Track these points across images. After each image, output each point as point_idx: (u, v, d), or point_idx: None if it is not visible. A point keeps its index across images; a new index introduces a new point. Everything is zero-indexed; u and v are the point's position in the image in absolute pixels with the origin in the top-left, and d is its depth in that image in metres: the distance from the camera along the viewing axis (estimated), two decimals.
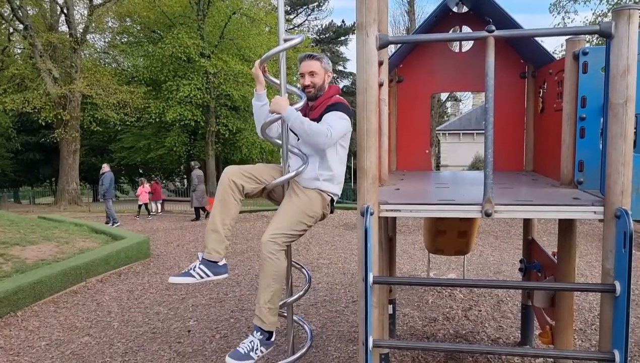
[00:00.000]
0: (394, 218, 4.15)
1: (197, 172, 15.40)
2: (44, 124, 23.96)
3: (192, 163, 16.40)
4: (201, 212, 15.38)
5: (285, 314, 3.06)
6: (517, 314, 5.07)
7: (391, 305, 4.15)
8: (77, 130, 24.37)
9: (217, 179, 29.84)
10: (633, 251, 2.00)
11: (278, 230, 2.78)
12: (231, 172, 2.89)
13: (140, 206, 17.24)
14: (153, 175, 41.56)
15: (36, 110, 22.54)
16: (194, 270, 2.83)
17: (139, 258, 8.36)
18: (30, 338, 4.83)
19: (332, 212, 3.07)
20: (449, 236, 5.06)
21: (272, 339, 2.86)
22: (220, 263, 2.86)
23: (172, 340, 4.68)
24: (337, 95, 2.99)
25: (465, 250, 5.39)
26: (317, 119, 2.82)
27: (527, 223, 4.23)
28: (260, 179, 2.94)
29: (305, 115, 2.90)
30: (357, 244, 2.24)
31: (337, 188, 2.97)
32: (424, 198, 2.53)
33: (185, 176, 38.52)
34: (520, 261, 4.24)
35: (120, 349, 4.50)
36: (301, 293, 3.02)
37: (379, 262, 2.45)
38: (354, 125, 2.60)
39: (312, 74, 2.92)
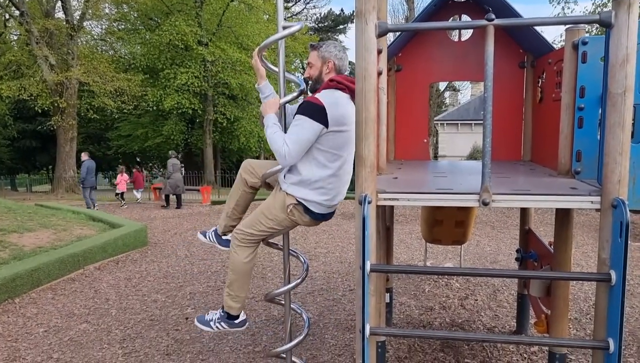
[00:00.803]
0: (392, 208, 4.16)
1: (172, 161, 15.68)
2: (40, 111, 23.87)
3: (170, 152, 16.80)
4: (173, 200, 15.88)
5: (283, 302, 3.08)
6: (512, 303, 5.11)
7: (388, 294, 4.18)
8: (74, 117, 24.26)
9: (215, 167, 29.84)
10: (629, 241, 2.01)
11: (241, 226, 2.95)
12: (242, 166, 3.14)
13: (117, 194, 17.45)
14: (150, 163, 41.50)
15: (33, 98, 22.43)
16: (209, 233, 3.29)
17: (136, 247, 8.37)
18: (28, 324, 4.85)
19: (317, 219, 2.85)
20: (446, 226, 5.07)
21: (236, 322, 3.07)
22: (224, 238, 3.24)
23: (169, 327, 4.70)
24: (324, 90, 2.69)
25: (462, 240, 5.41)
26: None
27: (524, 213, 4.24)
28: (257, 173, 3.02)
29: None
30: (354, 233, 2.25)
31: (311, 194, 2.72)
32: (422, 187, 2.54)
33: (183, 165, 38.47)
34: (517, 251, 4.26)
35: (118, 336, 4.52)
36: (298, 281, 3.04)
37: (377, 251, 2.45)
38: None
39: (309, 65, 2.84)
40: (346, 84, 2.67)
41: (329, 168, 2.71)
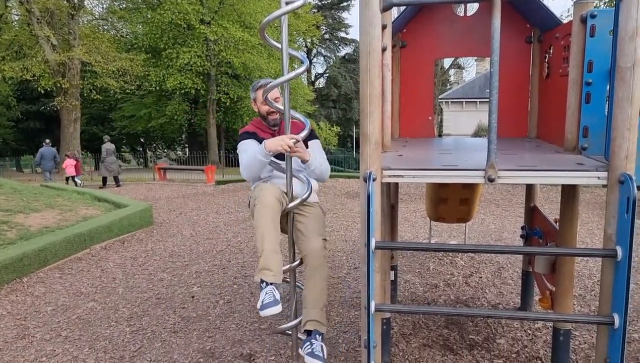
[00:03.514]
0: (396, 186, 4.15)
1: (106, 146, 17.05)
2: (43, 92, 23.86)
3: (104, 137, 18.20)
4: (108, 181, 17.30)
5: (289, 280, 3.09)
6: (517, 280, 5.12)
7: (393, 272, 4.19)
8: (77, 98, 24.23)
9: (219, 147, 29.89)
10: (635, 219, 1.99)
11: (323, 236, 3.00)
12: (272, 192, 2.86)
13: (67, 178, 17.86)
14: (154, 144, 41.50)
15: (35, 78, 22.37)
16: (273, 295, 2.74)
17: (142, 226, 8.42)
18: (36, 303, 4.91)
19: None
20: (451, 204, 5.07)
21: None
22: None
23: (176, 306, 4.75)
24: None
25: (467, 218, 5.41)
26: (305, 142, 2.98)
27: (530, 190, 4.22)
28: (282, 200, 2.96)
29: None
30: (359, 212, 2.25)
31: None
32: (427, 164, 2.52)
33: (187, 145, 38.48)
34: (522, 228, 4.25)
35: (126, 314, 4.57)
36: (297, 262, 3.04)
37: (381, 229, 2.45)
38: (356, 92, 2.59)
39: (276, 100, 3.02)
40: None
41: None
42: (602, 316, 2.19)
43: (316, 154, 3.05)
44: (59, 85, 22.81)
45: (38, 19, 22.25)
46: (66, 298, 5.04)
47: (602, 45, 2.52)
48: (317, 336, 2.87)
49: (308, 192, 2.91)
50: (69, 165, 17.65)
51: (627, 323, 2.09)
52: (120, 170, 17.93)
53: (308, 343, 2.83)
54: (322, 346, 2.84)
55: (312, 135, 3.11)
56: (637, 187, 2.07)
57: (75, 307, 4.81)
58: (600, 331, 2.25)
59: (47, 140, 18.66)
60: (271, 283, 2.74)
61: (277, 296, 2.72)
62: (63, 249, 6.35)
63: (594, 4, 2.72)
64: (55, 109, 24.50)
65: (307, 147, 3.03)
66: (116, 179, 17.25)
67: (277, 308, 2.66)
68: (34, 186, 11.82)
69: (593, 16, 2.54)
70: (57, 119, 26.16)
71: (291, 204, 2.93)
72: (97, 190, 12.96)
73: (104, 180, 17.39)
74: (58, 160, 17.71)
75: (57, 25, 23.81)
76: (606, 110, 2.51)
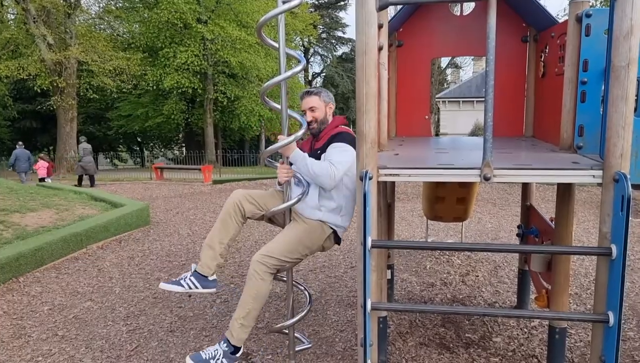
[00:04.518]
0: (393, 185, 4.16)
1: (83, 146, 17.37)
2: (39, 91, 23.76)
3: (81, 137, 18.55)
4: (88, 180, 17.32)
5: (285, 279, 3.10)
6: (513, 279, 5.14)
7: (389, 271, 4.20)
8: (74, 97, 24.15)
9: (216, 147, 29.80)
10: (630, 217, 2.00)
11: (270, 252, 2.85)
12: (237, 195, 3.05)
13: (40, 179, 17.94)
14: (151, 143, 41.42)
15: (32, 77, 22.30)
16: (184, 280, 2.99)
17: (138, 226, 8.40)
18: (33, 303, 4.90)
19: (338, 244, 3.19)
20: (448, 203, 5.08)
21: (238, 355, 2.86)
22: (210, 278, 3.01)
23: (173, 305, 4.75)
24: (342, 126, 3.07)
25: (463, 216, 5.42)
26: (322, 149, 2.96)
27: (526, 189, 4.24)
28: (262, 206, 3.06)
29: (311, 147, 3.09)
30: (356, 210, 2.25)
31: (342, 221, 3.03)
32: (423, 163, 2.53)
33: (184, 145, 38.42)
34: (518, 226, 4.26)
35: (122, 313, 4.57)
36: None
37: (378, 228, 2.46)
38: (353, 91, 2.61)
39: (312, 109, 3.03)
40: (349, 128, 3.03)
41: (349, 194, 2.98)
42: (597, 314, 2.20)
43: (314, 159, 2.89)
44: (55, 84, 22.74)
45: (34, 18, 22.18)
46: (63, 298, 5.03)
47: (598, 45, 2.53)
48: (222, 343, 2.86)
49: (292, 201, 2.90)
50: (41, 167, 18.07)
51: (622, 321, 2.10)
52: (96, 170, 18.07)
53: (213, 348, 2.86)
54: (217, 351, 2.81)
55: (336, 139, 2.94)
56: (632, 185, 2.08)
57: (71, 306, 4.80)
58: (596, 329, 2.26)
59: (20, 143, 18.95)
60: (195, 271, 3.00)
61: (187, 282, 2.96)
62: (59, 249, 6.34)
63: (590, 3, 2.73)
64: (51, 108, 24.40)
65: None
66: (92, 179, 17.30)
67: (173, 288, 2.96)
68: (30, 185, 11.81)
69: (588, 15, 2.55)
70: (54, 118, 26.08)
71: (272, 209, 2.98)
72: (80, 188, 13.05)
73: (80, 179, 17.45)
74: (32, 161, 17.98)
75: (54, 24, 23.72)
76: (601, 110, 2.52)
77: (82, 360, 3.67)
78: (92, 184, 17.23)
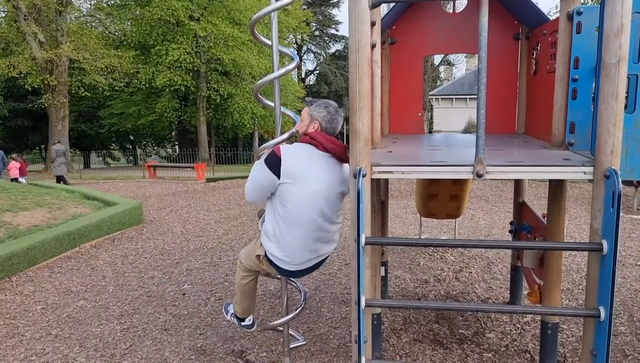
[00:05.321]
0: (386, 182, 4.17)
1: (56, 147, 17.40)
2: (31, 89, 23.58)
3: (54, 139, 18.74)
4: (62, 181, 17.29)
5: (279, 276, 3.10)
6: (506, 275, 5.18)
7: (383, 268, 4.21)
8: (65, 95, 23.98)
9: (209, 145, 29.78)
10: (621, 213, 2.02)
11: (241, 254, 3.10)
12: (248, 259, 3.03)
13: (13, 179, 17.82)
14: (144, 141, 41.22)
15: (22, 76, 22.12)
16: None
17: (132, 224, 8.38)
18: (26, 302, 4.88)
19: (280, 272, 2.85)
20: (441, 200, 5.10)
21: (242, 323, 3.36)
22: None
23: (167, 303, 4.74)
24: (295, 143, 2.74)
25: (456, 213, 5.45)
26: None
27: (518, 186, 4.26)
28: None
29: None
30: (349, 208, 2.26)
31: (273, 247, 2.71)
32: (416, 160, 2.53)
33: (177, 143, 38.29)
34: (511, 223, 4.29)
35: (116, 312, 4.56)
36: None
37: (372, 225, 2.47)
38: (346, 88, 2.58)
39: (301, 118, 2.84)
40: (320, 141, 2.62)
41: (281, 222, 2.66)
42: (588, 309, 2.22)
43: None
44: (46, 82, 22.57)
45: (25, 16, 21.99)
46: (56, 297, 5.01)
47: (588, 42, 2.54)
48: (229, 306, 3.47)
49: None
50: (13, 168, 17.99)
51: (613, 316, 2.13)
52: (68, 170, 18.12)
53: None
54: (232, 307, 3.41)
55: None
56: (623, 181, 2.10)
57: (65, 305, 4.78)
58: (587, 324, 2.28)
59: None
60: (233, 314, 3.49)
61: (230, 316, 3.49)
62: (52, 248, 6.31)
63: (581, 1, 2.75)
64: (43, 106, 24.22)
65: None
66: (63, 180, 17.22)
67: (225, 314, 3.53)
68: (22, 184, 11.72)
69: (579, 13, 2.56)
70: (45, 117, 25.89)
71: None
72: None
73: (58, 179, 17.47)
74: (7, 161, 17.74)
75: (45, 22, 23.52)
76: (592, 107, 2.54)
77: (76, 359, 3.67)
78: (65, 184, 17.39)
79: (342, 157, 2.67)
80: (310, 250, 2.72)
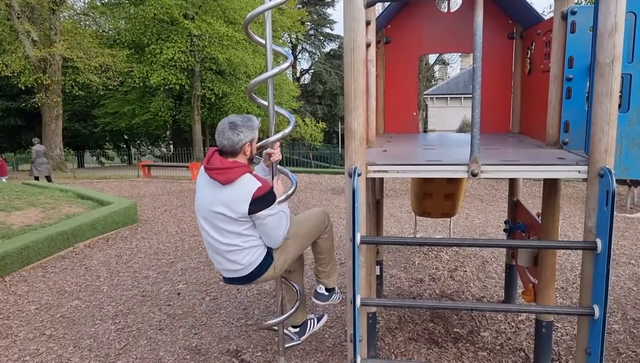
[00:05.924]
0: (382, 181, 4.18)
1: (36, 148, 17.48)
2: (24, 88, 23.42)
3: (34, 139, 18.54)
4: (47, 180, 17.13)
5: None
6: (501, 274, 5.19)
7: (378, 267, 4.22)
8: (59, 95, 23.84)
9: (204, 144, 29.59)
10: (614, 212, 2.03)
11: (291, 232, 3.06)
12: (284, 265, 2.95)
13: None
14: (138, 141, 41.08)
15: (15, 75, 21.98)
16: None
17: (126, 224, 8.34)
18: (19, 302, 4.85)
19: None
20: (436, 199, 5.11)
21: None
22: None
23: (162, 303, 4.73)
24: (253, 170, 2.72)
25: (451, 212, 5.46)
26: None
27: (513, 185, 4.28)
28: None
29: None
30: (345, 208, 2.26)
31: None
32: (411, 159, 2.54)
33: (172, 142, 38.17)
34: (505, 222, 4.30)
35: (111, 312, 4.54)
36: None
37: (367, 224, 2.47)
38: (341, 87, 2.58)
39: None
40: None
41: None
42: (582, 307, 2.24)
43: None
44: (40, 81, 22.42)
45: (18, 14, 21.83)
46: (50, 297, 4.99)
47: (582, 42, 2.56)
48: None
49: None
50: None
51: (607, 314, 2.14)
52: (50, 170, 18.20)
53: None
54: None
55: None
56: (616, 180, 2.11)
57: (59, 305, 4.76)
58: (581, 322, 2.29)
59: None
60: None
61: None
62: (46, 247, 6.28)
63: (575, 1, 2.76)
64: (36, 105, 24.06)
65: None
66: (48, 179, 17.20)
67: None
68: (16, 184, 11.67)
69: (573, 12, 2.58)
70: (39, 116, 25.73)
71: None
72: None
73: (37, 180, 17.30)
74: None
75: (38, 21, 23.35)
76: (586, 106, 2.55)
77: (70, 359, 3.65)
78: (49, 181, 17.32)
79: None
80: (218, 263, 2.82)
